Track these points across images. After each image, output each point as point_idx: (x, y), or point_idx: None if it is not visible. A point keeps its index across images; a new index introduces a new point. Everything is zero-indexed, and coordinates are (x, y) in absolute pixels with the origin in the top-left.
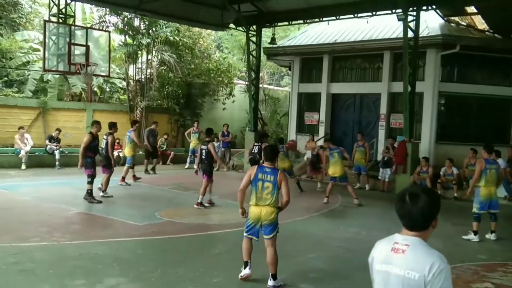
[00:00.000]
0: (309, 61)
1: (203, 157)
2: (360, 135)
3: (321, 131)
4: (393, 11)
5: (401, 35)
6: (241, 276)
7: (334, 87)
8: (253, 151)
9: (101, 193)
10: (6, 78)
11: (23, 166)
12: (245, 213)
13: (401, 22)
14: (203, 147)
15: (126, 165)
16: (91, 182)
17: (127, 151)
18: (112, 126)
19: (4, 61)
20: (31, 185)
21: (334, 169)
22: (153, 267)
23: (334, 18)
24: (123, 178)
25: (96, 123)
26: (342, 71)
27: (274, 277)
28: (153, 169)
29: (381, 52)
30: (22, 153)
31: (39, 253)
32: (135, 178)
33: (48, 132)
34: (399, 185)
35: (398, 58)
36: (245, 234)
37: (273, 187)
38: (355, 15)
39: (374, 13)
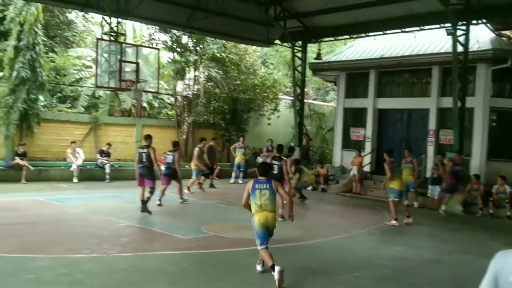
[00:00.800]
0: (355, 76)
1: (275, 172)
2: (408, 151)
3: (368, 146)
4: (442, 25)
5: (450, 50)
6: (277, 278)
7: (380, 102)
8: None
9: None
10: (60, 94)
11: (75, 180)
12: None
13: (450, 36)
14: (274, 162)
15: (192, 177)
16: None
17: (192, 164)
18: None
19: (58, 77)
20: (82, 198)
21: (401, 183)
22: (198, 281)
23: (381, 33)
24: (188, 188)
25: (149, 137)
26: (389, 86)
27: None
28: (211, 185)
29: (429, 67)
30: (74, 166)
31: (89, 265)
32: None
33: (99, 146)
34: (449, 203)
35: (447, 73)
36: (262, 247)
37: (271, 195)
38: (403, 29)
39: (422, 27)
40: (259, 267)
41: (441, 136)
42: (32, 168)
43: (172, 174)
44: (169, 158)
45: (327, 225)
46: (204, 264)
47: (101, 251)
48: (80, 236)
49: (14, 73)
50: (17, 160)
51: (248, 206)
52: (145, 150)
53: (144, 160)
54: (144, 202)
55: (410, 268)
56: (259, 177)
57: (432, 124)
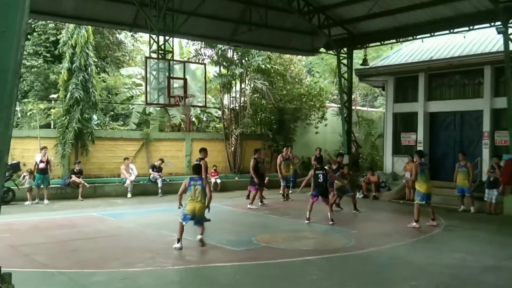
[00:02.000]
0: (403, 80)
1: (320, 180)
2: (462, 154)
3: None
4: (492, 24)
5: (501, 49)
6: (176, 247)
7: (431, 105)
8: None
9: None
10: (112, 113)
11: (129, 195)
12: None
13: (501, 35)
14: (318, 172)
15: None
16: None
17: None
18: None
19: (110, 96)
20: (135, 213)
21: (427, 186)
22: None
23: (428, 35)
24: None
25: (204, 150)
26: (439, 89)
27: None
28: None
29: (481, 67)
30: (128, 182)
31: (144, 278)
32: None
33: (151, 161)
34: (507, 207)
35: (500, 72)
36: (182, 221)
37: (201, 189)
38: (451, 30)
39: (471, 27)
40: (178, 245)
41: (496, 138)
42: (87, 185)
43: None
44: None
45: (380, 234)
46: (256, 275)
47: (155, 264)
48: (135, 250)
49: (68, 94)
50: (74, 178)
51: (180, 197)
52: (199, 163)
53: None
54: None
55: (468, 275)
56: (193, 175)
57: (486, 126)
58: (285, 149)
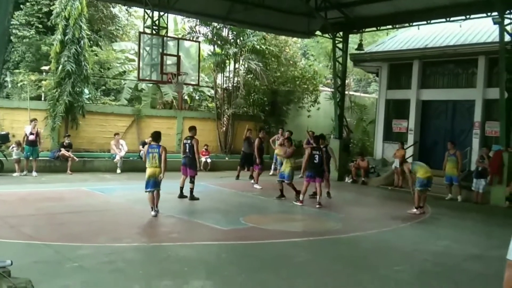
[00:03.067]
0: (397, 67)
1: (316, 161)
2: (451, 143)
3: (410, 139)
4: (488, 14)
5: (497, 39)
6: (153, 215)
7: (424, 93)
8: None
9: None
10: (104, 87)
11: (118, 170)
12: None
13: (497, 25)
14: (315, 152)
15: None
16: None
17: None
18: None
19: (102, 71)
20: (124, 188)
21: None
22: (237, 271)
23: (424, 22)
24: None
25: (193, 129)
26: (433, 77)
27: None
28: (250, 176)
29: (475, 57)
30: (117, 158)
31: (130, 254)
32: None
33: (142, 138)
34: (494, 197)
35: (494, 63)
36: (148, 191)
37: (158, 156)
38: (447, 19)
39: (467, 16)
40: (153, 212)
41: (487, 129)
42: (77, 159)
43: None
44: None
45: (368, 219)
46: (242, 255)
47: (142, 240)
48: (123, 226)
49: (60, 67)
50: (63, 151)
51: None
52: (189, 141)
53: (187, 150)
54: (182, 190)
55: (452, 263)
56: (152, 143)
57: (477, 116)
58: (280, 130)
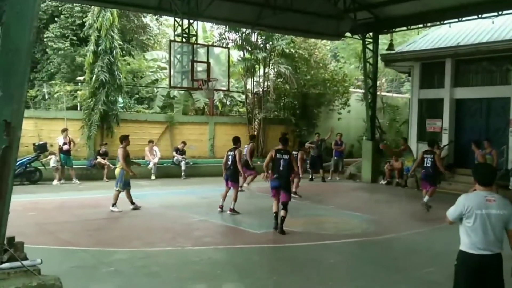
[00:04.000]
0: (430, 66)
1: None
2: (487, 142)
3: (445, 138)
4: None
5: None
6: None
7: (458, 92)
8: None
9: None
10: (137, 96)
11: (153, 177)
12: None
13: None
14: (278, 156)
15: None
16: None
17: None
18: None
19: (135, 80)
20: (158, 194)
21: None
22: (268, 274)
23: (456, 20)
24: None
25: (237, 140)
26: (466, 75)
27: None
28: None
29: (509, 54)
30: (151, 164)
31: (164, 258)
32: None
33: (175, 144)
34: None
35: None
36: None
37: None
38: (479, 15)
39: (500, 12)
40: (115, 209)
41: None
42: (112, 166)
43: (232, 175)
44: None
45: (400, 220)
46: (274, 258)
47: (176, 244)
48: (157, 231)
49: (94, 77)
50: (99, 159)
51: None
52: (232, 153)
53: (229, 162)
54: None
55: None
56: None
57: None
58: (316, 135)
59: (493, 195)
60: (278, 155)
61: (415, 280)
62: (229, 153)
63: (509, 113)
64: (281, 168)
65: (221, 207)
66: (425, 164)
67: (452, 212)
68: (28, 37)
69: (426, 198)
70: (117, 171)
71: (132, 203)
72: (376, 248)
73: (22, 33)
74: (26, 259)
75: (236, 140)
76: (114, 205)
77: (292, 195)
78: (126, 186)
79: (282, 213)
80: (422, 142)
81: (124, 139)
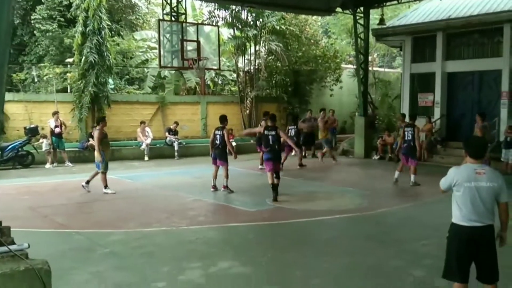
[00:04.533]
0: (421, 39)
1: (271, 143)
2: (478, 115)
3: (437, 112)
4: None
5: None
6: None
7: (449, 65)
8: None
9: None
10: (127, 76)
11: (146, 158)
12: None
13: None
14: (268, 132)
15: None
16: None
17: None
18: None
19: (125, 60)
20: (152, 175)
21: None
22: (263, 251)
23: None
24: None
25: (225, 119)
26: (458, 48)
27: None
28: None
29: (500, 26)
30: (144, 145)
31: (159, 238)
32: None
33: (167, 125)
34: None
35: None
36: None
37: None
38: None
39: None
40: (109, 190)
41: None
42: None
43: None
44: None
45: (394, 194)
46: (268, 235)
47: (171, 224)
48: (151, 211)
49: (83, 58)
50: (91, 141)
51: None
52: (220, 132)
53: (218, 142)
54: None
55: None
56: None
57: (505, 86)
58: (308, 112)
59: (483, 167)
60: (266, 132)
61: (409, 253)
62: (216, 132)
63: (500, 85)
64: (271, 143)
65: (214, 186)
66: (406, 138)
67: (443, 183)
68: (6, 17)
69: (412, 177)
70: (96, 155)
71: (106, 186)
72: (370, 222)
73: (1, 13)
74: (14, 243)
75: (223, 119)
76: (106, 187)
77: (299, 167)
78: (107, 168)
79: (275, 180)
80: None
81: (101, 120)
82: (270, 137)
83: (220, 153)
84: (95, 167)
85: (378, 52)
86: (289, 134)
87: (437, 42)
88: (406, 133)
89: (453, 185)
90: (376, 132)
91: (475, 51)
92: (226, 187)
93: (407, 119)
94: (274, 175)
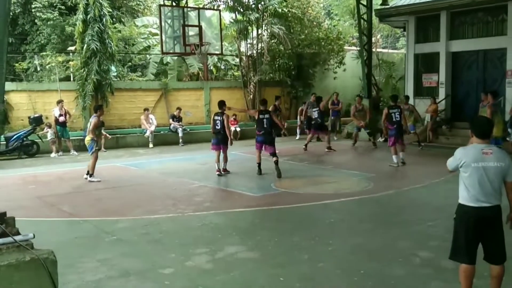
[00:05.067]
0: (425, 19)
1: (265, 126)
2: (484, 94)
3: (442, 92)
4: None
5: None
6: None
7: (453, 45)
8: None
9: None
10: (130, 64)
11: (150, 145)
12: None
13: None
14: (262, 115)
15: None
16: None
17: None
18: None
19: (127, 47)
20: (157, 162)
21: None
22: (269, 236)
23: None
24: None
25: (223, 104)
26: (462, 27)
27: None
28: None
29: (504, 3)
30: (148, 133)
31: (166, 224)
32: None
33: (171, 111)
34: None
35: None
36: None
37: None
38: None
39: None
40: (94, 179)
41: None
42: (109, 136)
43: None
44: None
45: (399, 176)
46: (274, 219)
47: (177, 211)
48: (157, 198)
49: (85, 46)
50: None
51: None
52: (219, 117)
53: (219, 127)
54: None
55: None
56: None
57: (510, 65)
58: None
59: (490, 147)
60: (260, 116)
61: (415, 234)
62: (216, 117)
63: (505, 64)
64: (265, 126)
65: (219, 170)
66: (394, 119)
67: (450, 163)
68: (3, 6)
69: (402, 155)
70: (88, 140)
71: (91, 175)
72: (375, 205)
73: None
74: (19, 234)
75: (222, 104)
76: (92, 175)
77: (327, 150)
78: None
79: (274, 159)
80: (419, 98)
81: (99, 108)
82: (264, 120)
83: (222, 138)
84: (88, 153)
85: (382, 33)
86: (313, 117)
87: (441, 22)
88: (393, 115)
89: (460, 166)
90: (380, 114)
91: (480, 30)
92: (225, 169)
93: (423, 101)
94: (272, 157)
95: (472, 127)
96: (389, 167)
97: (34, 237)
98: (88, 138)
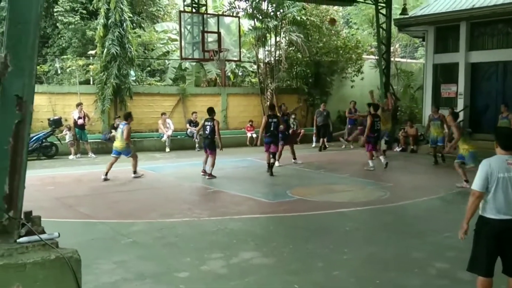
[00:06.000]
0: (444, 29)
1: (207, 132)
2: (504, 106)
3: (460, 103)
4: None
5: None
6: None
7: (473, 56)
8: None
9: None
10: (149, 68)
11: (167, 149)
12: None
13: None
14: (271, 120)
15: None
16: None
17: None
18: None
19: (147, 52)
20: (173, 166)
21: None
22: (284, 242)
23: None
24: None
25: (213, 110)
26: (481, 38)
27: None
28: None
29: None
30: (165, 137)
31: (181, 228)
32: None
33: (188, 116)
34: None
35: None
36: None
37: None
38: None
39: None
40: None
41: None
42: None
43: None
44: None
45: (416, 187)
46: (289, 226)
47: (193, 215)
48: (173, 202)
49: (105, 50)
50: (114, 132)
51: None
52: (210, 123)
53: (207, 132)
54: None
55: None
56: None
57: None
58: (322, 104)
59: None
60: (270, 120)
61: (432, 245)
62: (206, 123)
63: None
64: (272, 129)
65: (204, 171)
66: (376, 127)
67: (477, 184)
68: (35, 9)
69: (384, 159)
70: (122, 146)
71: (135, 171)
72: (391, 214)
73: (30, 5)
74: (44, 232)
75: (211, 111)
76: (107, 173)
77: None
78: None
79: (272, 160)
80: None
81: (129, 116)
82: (272, 123)
83: (209, 143)
84: (126, 156)
85: (400, 42)
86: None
87: (461, 32)
88: (375, 123)
89: (488, 175)
90: (398, 124)
91: (500, 41)
92: (210, 174)
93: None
94: (271, 156)
95: (496, 139)
96: (405, 177)
97: (59, 236)
98: (122, 144)
